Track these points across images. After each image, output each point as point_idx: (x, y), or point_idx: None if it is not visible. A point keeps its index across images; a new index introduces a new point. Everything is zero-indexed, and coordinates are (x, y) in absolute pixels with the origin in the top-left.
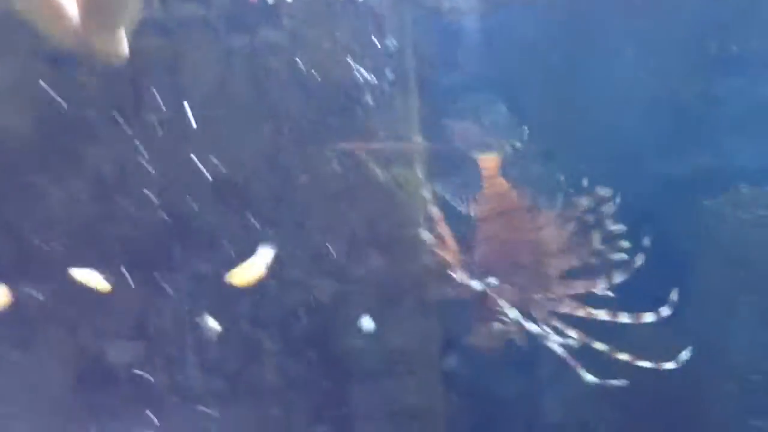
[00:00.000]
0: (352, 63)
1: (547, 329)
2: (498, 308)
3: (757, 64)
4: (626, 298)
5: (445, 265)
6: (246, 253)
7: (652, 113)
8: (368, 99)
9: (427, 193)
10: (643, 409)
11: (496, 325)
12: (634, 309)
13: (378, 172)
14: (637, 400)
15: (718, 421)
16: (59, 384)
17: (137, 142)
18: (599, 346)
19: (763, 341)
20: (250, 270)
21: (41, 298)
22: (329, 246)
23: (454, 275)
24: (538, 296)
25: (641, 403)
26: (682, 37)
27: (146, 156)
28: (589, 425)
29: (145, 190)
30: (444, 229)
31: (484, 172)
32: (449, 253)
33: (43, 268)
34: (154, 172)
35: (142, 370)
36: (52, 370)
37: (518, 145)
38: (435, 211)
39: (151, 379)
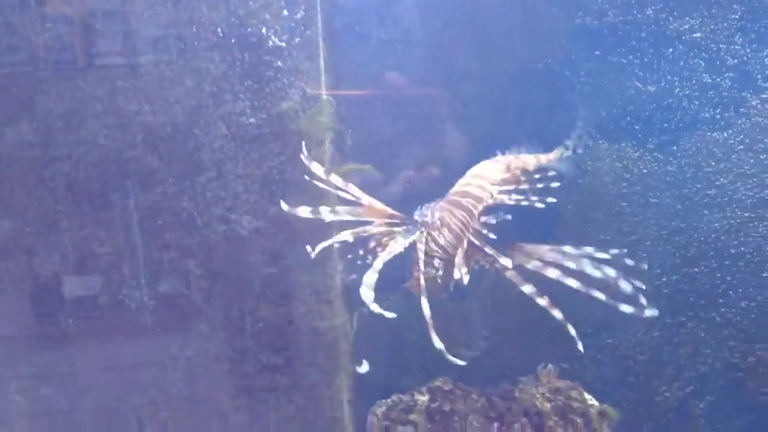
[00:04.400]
0: (264, 30)
1: None
2: (434, 253)
3: (612, 36)
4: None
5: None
6: None
7: (527, 81)
8: (278, 62)
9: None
10: None
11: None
12: None
13: None
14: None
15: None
16: None
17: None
18: None
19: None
20: None
21: None
22: None
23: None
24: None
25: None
26: (548, 11)
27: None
28: None
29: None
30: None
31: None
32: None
33: None
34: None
35: None
36: None
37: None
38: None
39: None
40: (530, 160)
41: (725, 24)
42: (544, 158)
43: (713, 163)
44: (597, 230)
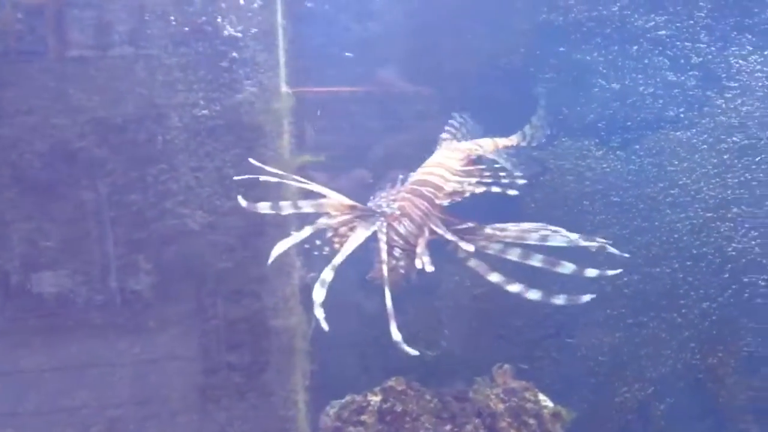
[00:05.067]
0: (219, 19)
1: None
2: (395, 243)
3: (577, 33)
4: None
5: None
6: None
7: (490, 77)
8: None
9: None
10: None
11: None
12: None
13: None
14: None
15: None
16: None
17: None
18: None
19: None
20: None
21: None
22: None
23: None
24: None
25: None
26: (512, 7)
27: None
28: None
29: None
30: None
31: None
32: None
33: None
34: None
35: None
36: None
37: None
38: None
39: None
40: (488, 145)
41: (691, 22)
42: (501, 143)
43: (676, 163)
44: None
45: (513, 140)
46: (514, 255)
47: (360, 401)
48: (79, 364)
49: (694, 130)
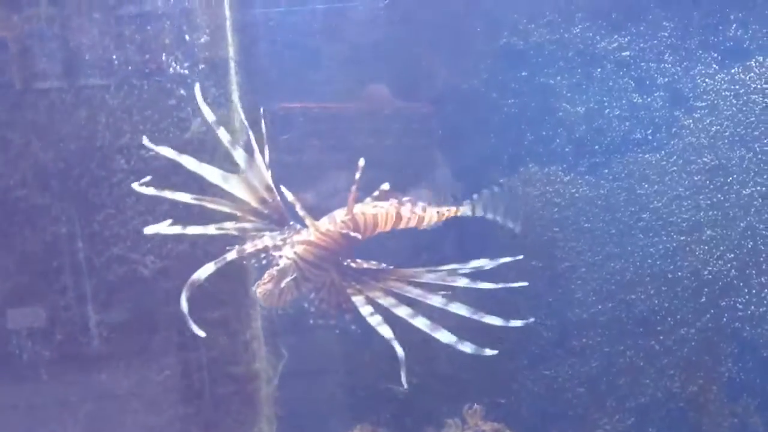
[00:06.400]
0: (164, 56)
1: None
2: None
3: (539, 56)
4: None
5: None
6: None
7: (452, 103)
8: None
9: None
10: None
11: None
12: None
13: None
14: None
15: None
16: None
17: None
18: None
19: (549, 300)
20: None
21: None
22: None
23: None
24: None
25: None
26: (472, 30)
27: None
28: None
29: None
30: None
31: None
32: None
33: None
34: None
35: None
36: None
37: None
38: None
39: None
40: (433, 215)
41: (655, 42)
42: (445, 213)
43: (646, 186)
44: (529, 257)
45: (459, 211)
46: (402, 312)
47: None
48: (28, 418)
49: (663, 152)
